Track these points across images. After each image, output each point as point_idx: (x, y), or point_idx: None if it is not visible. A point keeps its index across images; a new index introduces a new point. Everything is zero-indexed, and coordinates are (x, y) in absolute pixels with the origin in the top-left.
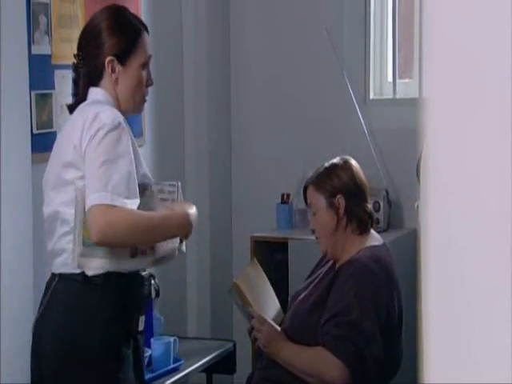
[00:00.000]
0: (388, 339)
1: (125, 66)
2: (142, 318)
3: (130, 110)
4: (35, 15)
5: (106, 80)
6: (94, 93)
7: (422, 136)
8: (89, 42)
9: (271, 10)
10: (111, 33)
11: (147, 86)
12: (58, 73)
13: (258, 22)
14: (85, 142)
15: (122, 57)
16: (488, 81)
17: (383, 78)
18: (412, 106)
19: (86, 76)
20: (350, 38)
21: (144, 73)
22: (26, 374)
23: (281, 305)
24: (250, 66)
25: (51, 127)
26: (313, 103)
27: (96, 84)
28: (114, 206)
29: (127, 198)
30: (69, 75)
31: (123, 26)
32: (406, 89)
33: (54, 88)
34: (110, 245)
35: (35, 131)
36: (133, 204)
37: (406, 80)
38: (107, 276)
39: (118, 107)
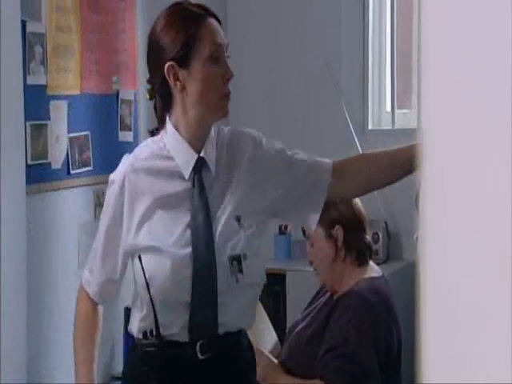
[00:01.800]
0: (387, 372)
1: (188, 67)
2: None
3: (205, 115)
4: (31, 45)
5: (176, 99)
6: (167, 128)
7: (421, 167)
8: (149, 58)
9: (269, 40)
10: (164, 35)
11: (226, 82)
12: (53, 103)
13: (255, 53)
14: None
15: (182, 58)
16: (487, 111)
17: (382, 108)
18: (411, 136)
19: (159, 101)
20: (348, 68)
21: (216, 67)
22: (24, 374)
23: (278, 337)
24: (248, 100)
25: (46, 158)
26: (311, 134)
27: (170, 108)
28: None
29: (91, 272)
30: (64, 106)
31: (178, 22)
32: (405, 119)
33: (49, 119)
34: None
35: (30, 162)
36: (95, 279)
37: (405, 110)
38: None
39: (189, 129)
